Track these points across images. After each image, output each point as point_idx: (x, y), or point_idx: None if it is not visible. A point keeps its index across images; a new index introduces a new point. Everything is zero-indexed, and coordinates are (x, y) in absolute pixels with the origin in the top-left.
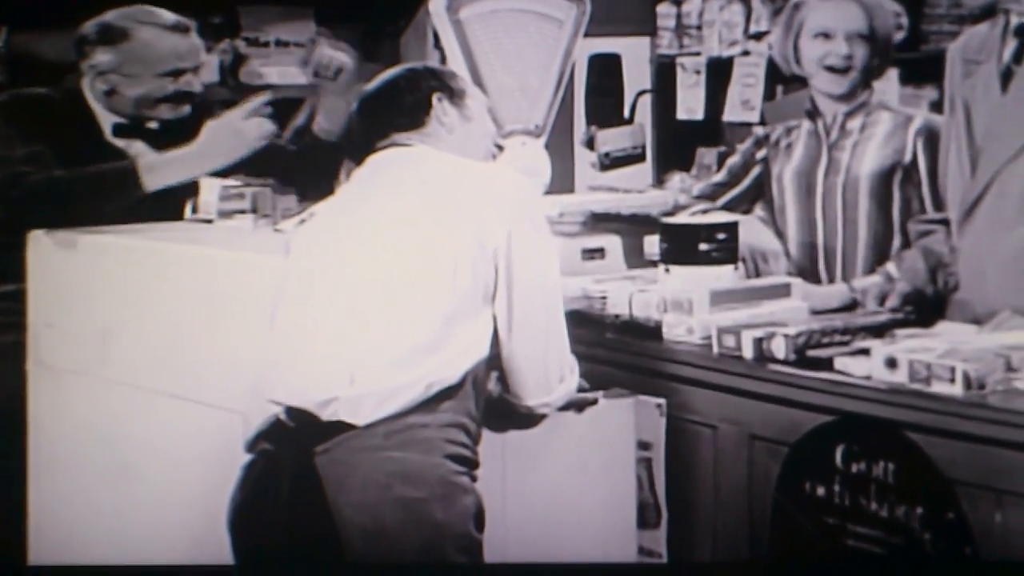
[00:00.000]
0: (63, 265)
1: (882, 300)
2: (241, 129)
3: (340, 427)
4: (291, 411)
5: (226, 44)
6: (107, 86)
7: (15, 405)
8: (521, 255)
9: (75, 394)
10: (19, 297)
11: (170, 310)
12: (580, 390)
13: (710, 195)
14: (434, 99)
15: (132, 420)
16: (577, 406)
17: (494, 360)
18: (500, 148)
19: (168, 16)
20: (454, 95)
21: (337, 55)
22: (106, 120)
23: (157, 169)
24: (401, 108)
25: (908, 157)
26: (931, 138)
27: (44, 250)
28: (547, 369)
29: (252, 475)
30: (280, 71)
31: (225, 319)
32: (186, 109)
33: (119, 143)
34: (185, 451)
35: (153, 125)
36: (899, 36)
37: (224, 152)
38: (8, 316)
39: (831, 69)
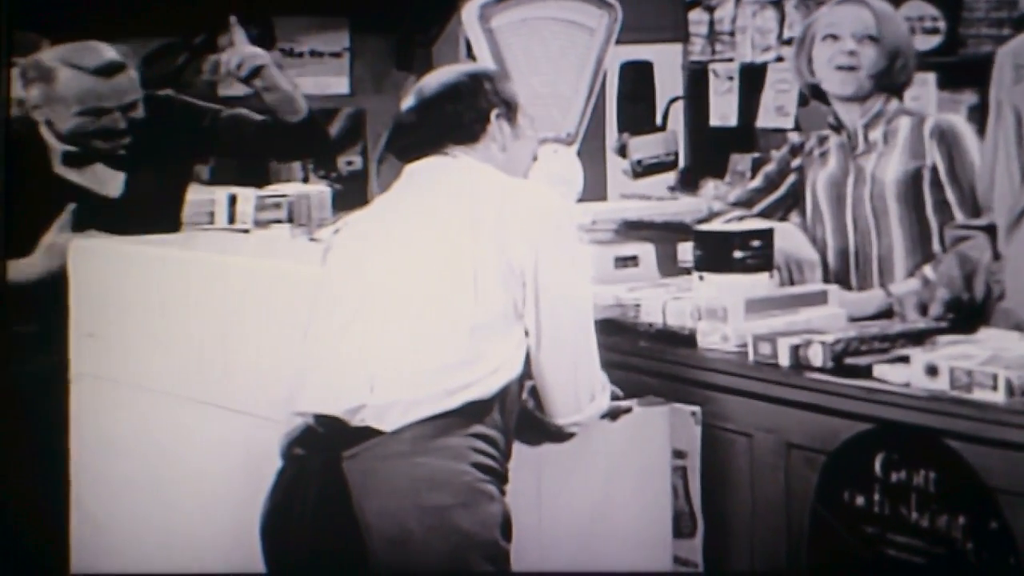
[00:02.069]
0: (103, 276)
1: (923, 309)
2: (53, 244)
3: (368, 433)
4: (321, 417)
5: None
6: (42, 118)
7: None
8: (548, 275)
9: (115, 403)
10: None
11: (208, 319)
12: (614, 398)
13: (747, 202)
14: (492, 116)
15: (172, 429)
16: (611, 414)
17: (526, 374)
18: (535, 158)
19: (97, 57)
20: (510, 111)
21: (257, 52)
22: (57, 150)
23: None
24: (460, 123)
25: (930, 159)
26: (944, 138)
27: (85, 261)
28: (577, 388)
29: (283, 481)
30: (315, 81)
31: (263, 328)
32: (123, 141)
33: (68, 173)
34: (226, 460)
35: (123, 149)
36: (935, 40)
37: (42, 266)
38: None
39: (838, 68)
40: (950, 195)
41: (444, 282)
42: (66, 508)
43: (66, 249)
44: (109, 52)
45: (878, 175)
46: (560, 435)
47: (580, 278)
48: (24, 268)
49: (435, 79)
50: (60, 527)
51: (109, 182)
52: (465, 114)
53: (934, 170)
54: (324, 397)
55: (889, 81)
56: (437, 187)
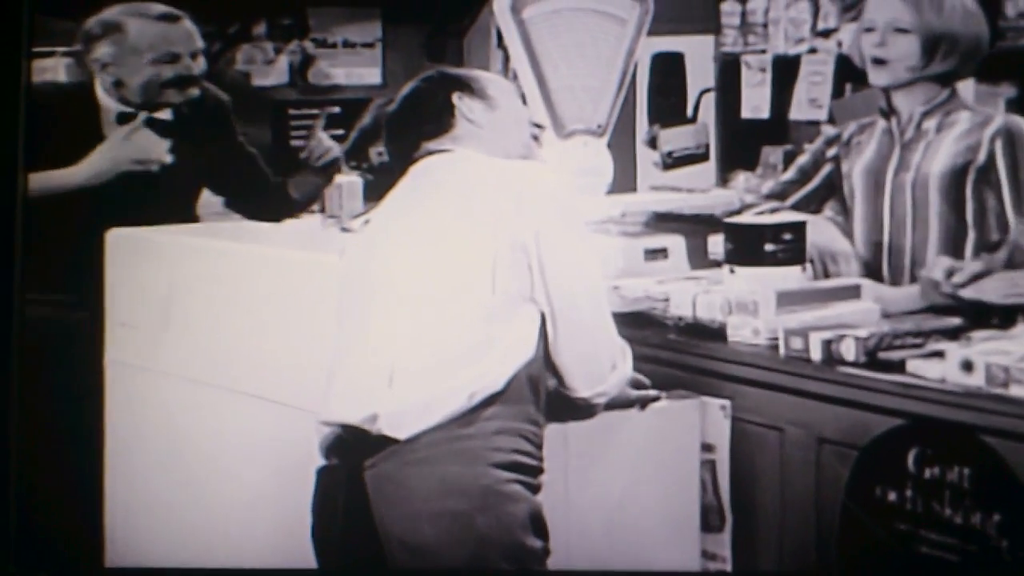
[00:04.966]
0: (137, 265)
1: (949, 274)
2: (116, 147)
3: (388, 441)
4: (345, 426)
5: (295, 45)
6: (113, 78)
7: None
8: (552, 253)
9: (147, 392)
10: None
11: (242, 309)
12: (641, 387)
13: (780, 194)
14: (455, 99)
15: (205, 418)
16: (640, 403)
17: (549, 357)
18: (540, 127)
19: (156, 7)
20: (475, 91)
21: (333, 147)
22: (114, 111)
23: (42, 177)
24: (425, 117)
25: (983, 158)
26: (1011, 140)
27: (119, 250)
28: (598, 360)
29: (319, 491)
30: (347, 72)
31: (294, 317)
32: (194, 92)
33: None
34: (258, 450)
35: (165, 115)
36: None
37: (94, 169)
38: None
39: (873, 61)
40: (1007, 196)
41: (453, 276)
42: (101, 498)
43: (124, 158)
44: (158, 5)
45: (923, 166)
46: (587, 408)
47: (585, 253)
48: (72, 173)
49: (394, 101)
50: (95, 518)
51: (155, 149)
52: (426, 105)
53: (981, 170)
54: (344, 406)
55: (938, 70)
56: (439, 182)
